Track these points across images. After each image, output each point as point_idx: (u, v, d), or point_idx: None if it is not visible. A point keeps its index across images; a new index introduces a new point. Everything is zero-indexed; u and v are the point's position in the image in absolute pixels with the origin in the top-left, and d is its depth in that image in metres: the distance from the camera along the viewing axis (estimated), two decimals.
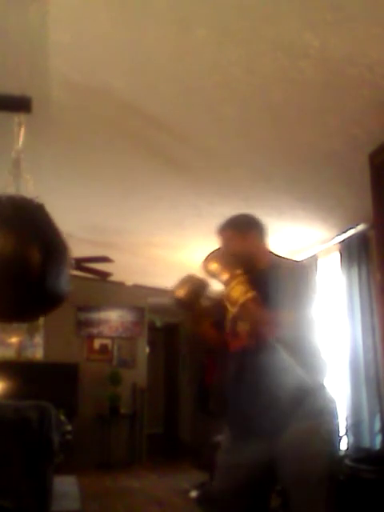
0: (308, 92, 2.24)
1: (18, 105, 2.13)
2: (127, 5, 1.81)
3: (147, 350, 7.16)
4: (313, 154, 2.82)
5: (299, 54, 1.98)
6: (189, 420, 7.88)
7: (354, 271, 3.78)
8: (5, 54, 2.06)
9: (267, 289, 1.83)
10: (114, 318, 6.84)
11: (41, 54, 2.03)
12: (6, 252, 1.77)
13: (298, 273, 2.00)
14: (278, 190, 3.33)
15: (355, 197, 3.29)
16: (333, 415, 1.97)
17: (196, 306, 2.11)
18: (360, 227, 3.72)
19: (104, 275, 5.44)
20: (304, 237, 4.23)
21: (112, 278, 5.84)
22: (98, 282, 6.27)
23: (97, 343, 6.77)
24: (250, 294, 1.83)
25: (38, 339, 6.41)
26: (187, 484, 5.14)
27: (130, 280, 6.63)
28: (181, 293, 2.06)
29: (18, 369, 6.01)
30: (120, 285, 6.66)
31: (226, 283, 1.87)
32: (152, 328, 8.08)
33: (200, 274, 2.02)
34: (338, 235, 4.03)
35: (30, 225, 1.88)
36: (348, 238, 3.91)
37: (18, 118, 2.13)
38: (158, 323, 9.05)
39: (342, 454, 3.43)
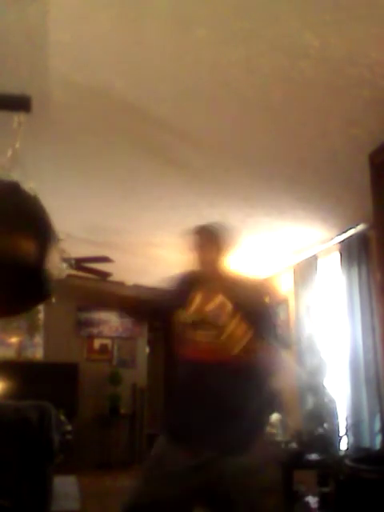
0: (308, 92, 2.24)
1: (18, 104, 2.12)
2: (127, 5, 1.81)
3: (147, 350, 7.15)
4: (313, 154, 2.82)
5: (299, 53, 1.98)
6: None
7: (354, 271, 3.79)
8: (5, 53, 2.06)
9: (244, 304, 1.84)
10: (113, 318, 6.83)
11: (41, 53, 2.03)
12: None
13: (262, 294, 2.07)
14: (278, 190, 3.33)
15: (355, 197, 3.29)
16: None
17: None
18: (360, 227, 3.73)
19: (104, 275, 5.44)
20: (304, 237, 4.23)
21: (112, 278, 5.84)
22: (98, 282, 6.26)
23: (97, 343, 6.77)
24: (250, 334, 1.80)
25: (38, 339, 6.41)
26: None
27: (130, 280, 6.62)
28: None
29: (18, 369, 5.99)
30: (120, 285, 6.65)
31: (225, 323, 1.82)
32: (152, 328, 8.06)
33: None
34: (337, 235, 4.04)
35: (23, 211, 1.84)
36: (348, 237, 3.91)
37: (17, 117, 2.12)
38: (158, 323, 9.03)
39: (342, 453, 3.44)
